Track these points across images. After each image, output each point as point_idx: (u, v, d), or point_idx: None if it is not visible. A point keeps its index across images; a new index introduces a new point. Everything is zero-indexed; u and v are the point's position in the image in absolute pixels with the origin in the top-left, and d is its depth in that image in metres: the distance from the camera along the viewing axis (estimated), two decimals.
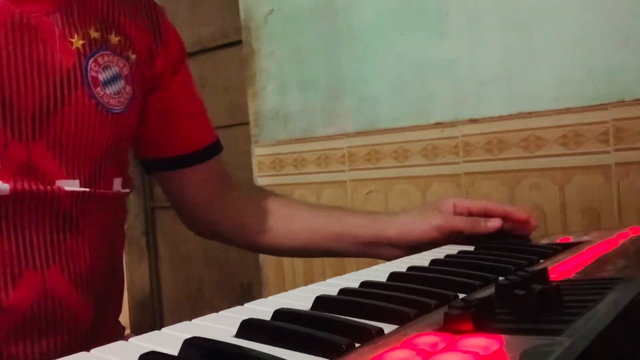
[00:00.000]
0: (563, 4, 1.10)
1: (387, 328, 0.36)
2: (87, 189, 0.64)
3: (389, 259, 0.78)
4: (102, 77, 0.65)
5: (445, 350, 0.31)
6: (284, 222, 0.83)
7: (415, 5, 1.27)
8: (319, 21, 1.43)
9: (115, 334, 0.74)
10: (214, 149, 0.84)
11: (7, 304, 0.59)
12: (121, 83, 0.68)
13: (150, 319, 2.20)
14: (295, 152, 1.50)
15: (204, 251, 2.03)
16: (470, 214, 0.76)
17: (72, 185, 0.63)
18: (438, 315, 0.37)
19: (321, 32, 1.43)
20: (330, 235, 0.81)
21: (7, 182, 0.59)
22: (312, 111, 1.46)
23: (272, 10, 1.52)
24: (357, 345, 0.33)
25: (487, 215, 0.76)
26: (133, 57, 0.71)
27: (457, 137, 1.23)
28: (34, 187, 0.60)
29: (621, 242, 0.62)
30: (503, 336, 0.32)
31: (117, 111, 0.67)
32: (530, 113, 1.14)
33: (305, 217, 0.83)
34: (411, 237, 0.75)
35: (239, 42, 1.67)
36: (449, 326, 0.34)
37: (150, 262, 2.20)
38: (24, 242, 0.60)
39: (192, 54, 1.95)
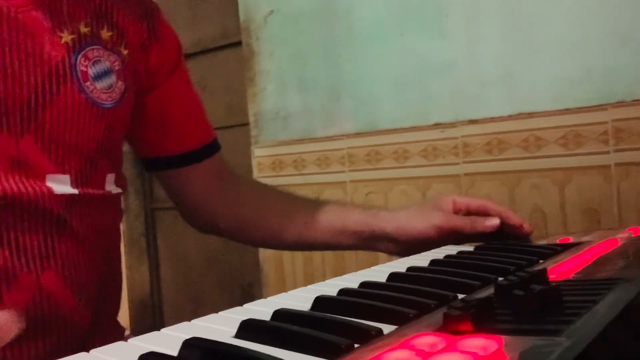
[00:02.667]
0: (563, 4, 1.10)
1: (387, 328, 0.36)
2: (77, 191, 0.64)
3: (388, 253, 0.79)
4: (92, 71, 0.65)
5: (444, 350, 0.31)
6: (285, 218, 0.83)
7: (415, 6, 1.27)
8: (319, 22, 1.43)
9: (115, 335, 0.74)
10: (212, 147, 0.85)
11: (1, 307, 0.59)
12: (112, 78, 0.67)
13: (150, 319, 2.20)
14: (295, 153, 1.50)
15: (204, 252, 2.03)
16: (469, 211, 0.77)
17: (62, 180, 0.63)
18: (437, 316, 0.37)
19: (321, 33, 1.43)
20: (331, 230, 0.81)
21: None
22: (312, 112, 1.46)
23: (272, 11, 1.52)
24: (356, 345, 0.33)
25: (485, 213, 0.76)
26: (125, 52, 0.70)
27: (457, 138, 1.23)
28: (22, 187, 0.59)
29: (621, 242, 0.62)
30: (502, 337, 0.32)
31: (107, 106, 0.66)
32: (530, 114, 1.14)
33: (305, 212, 0.83)
34: (409, 235, 0.76)
35: (238, 43, 1.67)
36: (448, 327, 0.34)
37: (150, 262, 2.20)
38: (18, 246, 0.60)
39: (192, 55, 1.95)
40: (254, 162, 1.58)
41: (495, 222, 0.74)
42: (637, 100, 1.03)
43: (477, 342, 0.31)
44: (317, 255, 1.47)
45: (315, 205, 0.85)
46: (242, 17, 1.58)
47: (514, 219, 0.75)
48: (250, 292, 1.89)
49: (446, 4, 1.23)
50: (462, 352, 0.30)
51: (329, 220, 0.81)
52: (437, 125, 1.26)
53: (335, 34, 1.40)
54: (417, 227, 0.75)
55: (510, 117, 1.16)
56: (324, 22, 1.42)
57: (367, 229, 0.79)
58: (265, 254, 1.58)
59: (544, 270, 0.44)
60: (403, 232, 0.76)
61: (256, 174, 1.57)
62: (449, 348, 0.31)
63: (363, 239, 0.80)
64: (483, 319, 0.34)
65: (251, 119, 1.58)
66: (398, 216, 0.78)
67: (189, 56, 1.96)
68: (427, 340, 0.32)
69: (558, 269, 0.51)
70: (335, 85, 1.41)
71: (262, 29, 1.54)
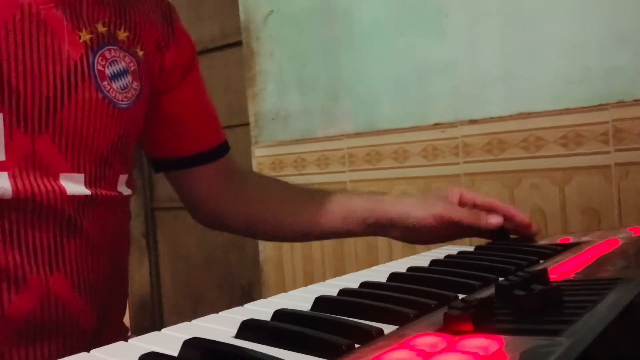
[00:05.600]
0: (563, 4, 1.10)
1: (387, 329, 0.36)
2: (90, 192, 0.64)
3: (394, 238, 0.80)
4: (108, 71, 0.65)
5: (445, 350, 0.31)
6: (293, 209, 0.84)
7: (415, 6, 1.27)
8: (319, 22, 1.43)
9: (120, 336, 0.73)
10: (223, 148, 0.86)
11: (9, 309, 0.58)
12: (128, 78, 0.68)
13: (150, 319, 2.20)
14: (295, 153, 1.50)
15: (204, 252, 2.03)
16: (475, 205, 0.77)
17: (76, 180, 0.63)
18: (438, 316, 0.37)
19: (321, 33, 1.43)
20: (338, 218, 0.82)
21: (12, 173, 0.58)
22: (312, 112, 1.46)
23: (272, 11, 1.52)
24: (356, 345, 0.33)
25: (490, 210, 0.76)
26: (140, 53, 0.71)
27: (457, 138, 1.23)
28: (35, 186, 0.59)
29: (621, 242, 0.62)
30: (503, 337, 0.32)
31: (123, 106, 0.67)
32: (530, 113, 1.14)
33: (312, 202, 0.84)
34: (411, 221, 0.76)
35: (238, 43, 1.67)
36: (448, 327, 0.34)
37: (151, 262, 2.20)
38: (28, 248, 0.59)
39: None
40: (254, 162, 1.58)
41: (498, 220, 0.74)
42: (637, 100, 1.03)
43: (477, 342, 0.31)
44: (317, 255, 1.47)
45: (321, 194, 0.85)
46: (242, 17, 1.58)
47: (523, 218, 0.75)
48: (250, 292, 1.89)
49: (446, 4, 1.23)
50: (463, 352, 0.30)
51: (336, 208, 0.82)
52: (437, 125, 1.26)
53: (335, 34, 1.40)
54: (418, 214, 0.75)
55: (510, 117, 1.16)
56: (324, 22, 1.42)
57: (373, 215, 0.79)
58: (265, 254, 1.58)
59: (545, 270, 0.44)
60: (405, 218, 0.77)
61: None
62: (450, 348, 0.31)
63: (369, 225, 0.80)
64: (483, 319, 0.34)
65: (251, 119, 1.58)
66: (401, 202, 0.79)
67: None
68: (427, 340, 0.32)
69: (558, 269, 0.51)
70: (335, 85, 1.41)
71: (262, 29, 1.54)
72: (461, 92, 1.22)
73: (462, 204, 0.77)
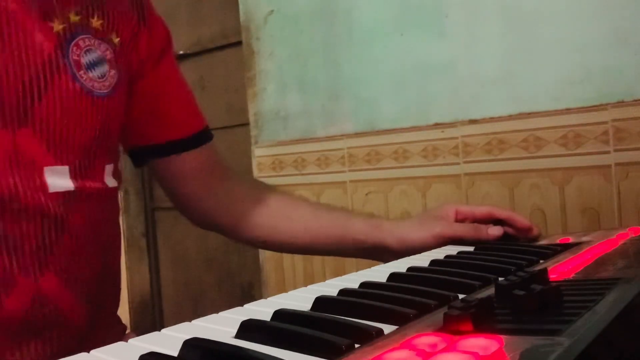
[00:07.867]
0: (563, 4, 1.10)
1: (387, 329, 0.36)
2: (75, 187, 0.63)
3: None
4: (84, 60, 0.64)
5: (445, 350, 0.31)
6: (285, 220, 0.82)
7: (415, 6, 1.27)
8: (319, 22, 1.43)
9: (115, 330, 0.73)
10: (204, 136, 0.83)
11: (0, 312, 0.58)
12: (105, 67, 0.67)
13: (150, 319, 2.20)
14: (295, 153, 1.50)
15: (204, 252, 2.03)
16: (475, 219, 0.76)
17: (61, 172, 0.62)
18: (438, 316, 0.37)
19: (321, 33, 1.43)
20: (331, 238, 0.80)
21: None
22: (312, 112, 1.46)
23: (272, 11, 1.52)
24: (356, 345, 0.33)
25: (491, 218, 0.76)
26: (117, 40, 0.69)
27: (457, 138, 1.23)
28: (20, 185, 0.58)
29: (621, 242, 0.62)
30: (503, 336, 0.32)
31: (102, 94, 0.65)
32: (530, 113, 1.14)
33: (307, 217, 0.82)
34: (411, 247, 0.75)
35: (238, 43, 1.67)
36: (448, 327, 0.34)
37: (151, 263, 2.20)
38: (16, 250, 0.59)
39: (191, 55, 1.95)
40: (254, 162, 1.58)
41: (498, 231, 0.74)
42: (637, 100, 1.03)
43: (477, 342, 0.31)
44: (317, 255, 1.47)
45: (316, 210, 0.84)
46: (242, 17, 1.58)
47: (523, 221, 0.75)
48: (250, 292, 1.89)
49: (446, 4, 1.23)
50: (463, 352, 0.30)
51: (330, 227, 0.81)
52: (437, 125, 1.26)
53: (335, 34, 1.40)
54: (417, 236, 0.75)
55: (510, 117, 1.16)
56: (324, 22, 1.42)
57: (369, 240, 0.78)
58: (265, 254, 1.58)
59: (545, 270, 0.44)
60: (404, 245, 0.75)
61: (256, 174, 1.57)
62: (450, 348, 0.31)
63: (363, 249, 0.79)
64: (483, 319, 0.34)
65: (251, 119, 1.58)
66: (400, 227, 0.77)
67: (189, 56, 1.96)
68: (427, 340, 0.32)
69: (558, 269, 0.51)
70: (335, 85, 1.41)
71: (262, 29, 1.54)
72: (461, 92, 1.22)
73: (459, 219, 0.77)
